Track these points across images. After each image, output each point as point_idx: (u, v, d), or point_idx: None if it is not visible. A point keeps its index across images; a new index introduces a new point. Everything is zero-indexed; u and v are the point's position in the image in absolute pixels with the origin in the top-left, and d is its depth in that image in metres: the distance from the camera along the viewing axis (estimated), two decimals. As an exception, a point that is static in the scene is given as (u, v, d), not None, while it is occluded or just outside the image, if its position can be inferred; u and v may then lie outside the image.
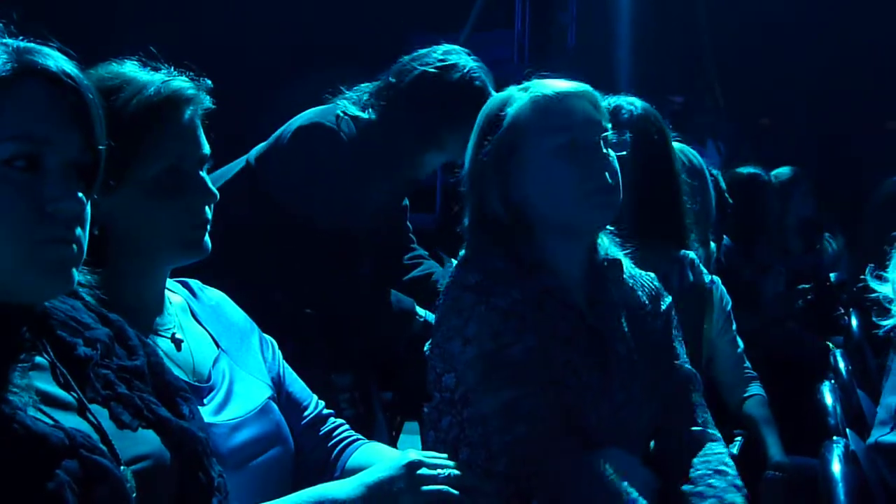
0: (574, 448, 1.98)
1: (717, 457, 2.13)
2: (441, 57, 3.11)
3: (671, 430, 2.19)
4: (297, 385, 1.99)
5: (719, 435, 2.21)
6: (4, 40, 1.31)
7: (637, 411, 2.11)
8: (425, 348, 2.18)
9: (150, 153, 1.69)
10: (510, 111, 2.13)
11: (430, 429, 2.09)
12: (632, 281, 2.24)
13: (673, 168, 2.82)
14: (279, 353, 2.01)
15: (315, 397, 2.02)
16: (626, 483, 1.92)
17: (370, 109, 3.09)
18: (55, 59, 1.32)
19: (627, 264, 2.23)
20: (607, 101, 2.75)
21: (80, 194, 1.31)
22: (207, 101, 1.77)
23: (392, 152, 3.06)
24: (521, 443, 1.98)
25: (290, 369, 2.01)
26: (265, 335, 2.01)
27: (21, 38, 1.32)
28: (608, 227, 2.23)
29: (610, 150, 2.11)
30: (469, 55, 3.16)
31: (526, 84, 2.18)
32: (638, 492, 1.93)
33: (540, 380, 2.00)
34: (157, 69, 1.75)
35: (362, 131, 3.04)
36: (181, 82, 1.73)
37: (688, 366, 2.24)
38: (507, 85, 2.23)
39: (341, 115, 3.05)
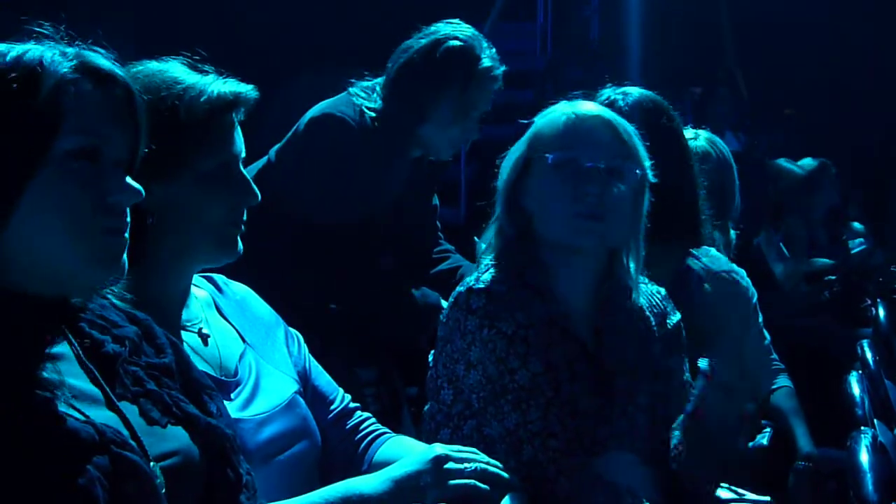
0: (581, 465, 2.00)
1: None
2: (421, 34, 3.16)
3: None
4: (323, 379, 2.00)
5: None
6: (61, 44, 1.35)
7: (640, 436, 2.11)
8: (430, 358, 2.18)
9: (208, 149, 1.75)
10: (537, 121, 2.17)
11: (428, 438, 2.08)
12: (645, 301, 2.22)
13: (685, 159, 2.75)
14: (305, 347, 2.02)
15: (341, 391, 2.02)
16: (635, 486, 1.94)
17: (377, 98, 3.12)
18: (107, 62, 1.37)
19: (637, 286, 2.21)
20: (605, 95, 2.73)
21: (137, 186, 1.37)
22: (251, 104, 1.82)
23: (392, 135, 3.10)
24: (527, 465, 1.99)
25: (315, 363, 2.01)
26: (291, 329, 2.02)
27: (67, 39, 1.37)
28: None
29: (620, 183, 2.09)
30: (458, 24, 3.18)
31: (571, 102, 2.19)
32: (643, 491, 1.95)
33: (545, 404, 2.01)
34: (201, 70, 1.80)
35: (371, 119, 3.08)
36: (237, 85, 1.79)
37: (684, 378, 2.23)
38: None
39: (354, 104, 3.08)
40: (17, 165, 1.25)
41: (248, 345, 1.88)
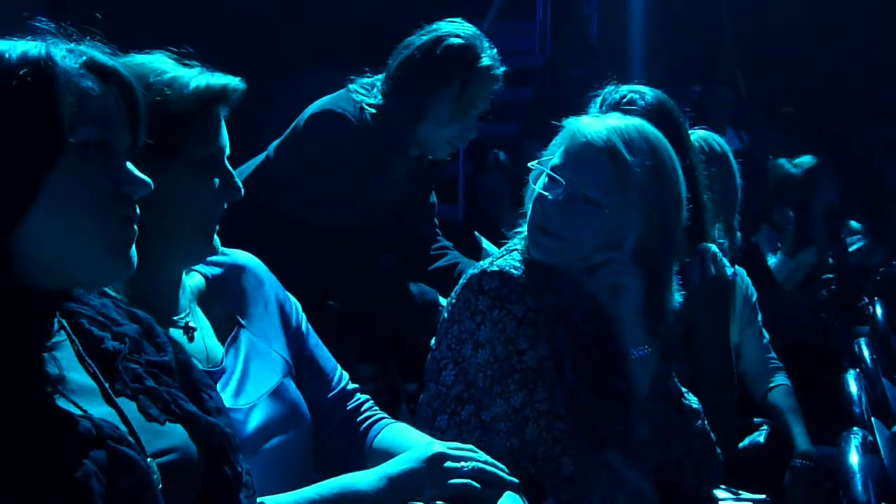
0: (586, 449, 2.01)
1: None
2: (423, 32, 3.15)
3: None
4: (322, 354, 2.01)
5: None
6: (63, 41, 1.36)
7: (638, 440, 2.11)
8: (432, 342, 2.19)
9: (195, 140, 1.74)
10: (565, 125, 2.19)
11: (424, 426, 2.08)
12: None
13: (688, 160, 2.73)
14: (304, 318, 2.01)
15: (339, 368, 2.02)
16: (637, 480, 1.95)
17: (378, 94, 3.11)
18: (108, 58, 1.38)
19: None
20: (619, 93, 2.73)
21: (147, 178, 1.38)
22: (239, 97, 1.82)
23: (390, 132, 3.09)
24: (530, 444, 2.00)
25: (315, 337, 2.02)
26: (291, 299, 2.02)
27: (69, 35, 1.38)
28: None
29: (594, 208, 2.07)
30: (459, 23, 3.17)
31: (599, 116, 2.19)
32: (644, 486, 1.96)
33: (551, 386, 2.02)
34: (185, 63, 1.79)
35: (371, 115, 3.07)
36: (224, 77, 1.79)
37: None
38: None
39: (354, 100, 3.07)
40: (36, 157, 1.26)
41: (241, 325, 1.87)
